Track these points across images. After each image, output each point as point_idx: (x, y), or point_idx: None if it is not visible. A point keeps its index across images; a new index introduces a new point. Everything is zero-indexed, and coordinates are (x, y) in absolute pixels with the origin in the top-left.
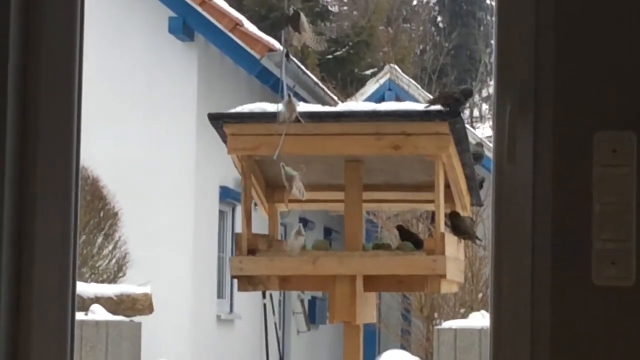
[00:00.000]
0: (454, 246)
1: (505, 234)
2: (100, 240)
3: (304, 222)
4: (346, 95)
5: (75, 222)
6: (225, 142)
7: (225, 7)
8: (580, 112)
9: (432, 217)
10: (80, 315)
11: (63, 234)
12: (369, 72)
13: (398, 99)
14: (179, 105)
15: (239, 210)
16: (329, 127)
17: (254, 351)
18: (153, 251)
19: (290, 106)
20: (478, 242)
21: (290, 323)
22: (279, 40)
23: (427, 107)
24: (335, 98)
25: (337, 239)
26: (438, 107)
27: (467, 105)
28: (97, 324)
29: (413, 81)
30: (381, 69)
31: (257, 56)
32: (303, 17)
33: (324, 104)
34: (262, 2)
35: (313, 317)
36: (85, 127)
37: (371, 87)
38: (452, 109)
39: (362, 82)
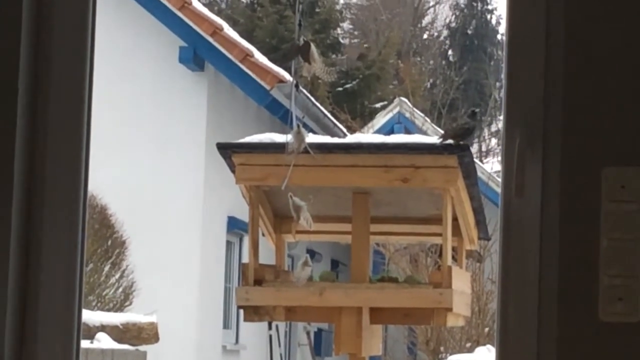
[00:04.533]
0: (461, 279)
1: (512, 267)
2: (107, 268)
3: (311, 253)
4: (355, 127)
5: (82, 249)
6: (233, 171)
7: (236, 37)
8: (588, 147)
9: (440, 250)
10: (85, 343)
11: (70, 261)
12: (378, 105)
13: (407, 132)
14: (187, 135)
15: (246, 240)
16: (337, 158)
17: None
18: (159, 280)
19: (298, 137)
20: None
21: (295, 354)
22: (289, 72)
23: (440, 141)
24: (344, 130)
25: (343, 271)
26: (448, 141)
27: (476, 135)
28: (103, 352)
29: (422, 114)
30: (391, 102)
31: (267, 87)
32: (313, 47)
33: (333, 135)
34: (272, 33)
35: (318, 348)
36: (94, 155)
37: (380, 120)
38: (464, 139)
39: (372, 115)
